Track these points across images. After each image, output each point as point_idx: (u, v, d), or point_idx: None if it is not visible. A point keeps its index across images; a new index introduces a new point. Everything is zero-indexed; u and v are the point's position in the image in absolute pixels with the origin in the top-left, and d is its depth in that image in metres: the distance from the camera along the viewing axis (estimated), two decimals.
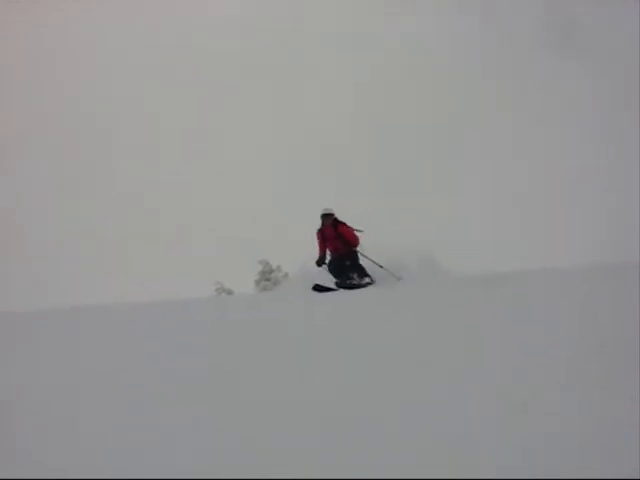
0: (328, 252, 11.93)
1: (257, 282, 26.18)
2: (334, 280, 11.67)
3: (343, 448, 2.96)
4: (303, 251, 12.26)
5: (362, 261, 11.86)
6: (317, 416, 3.46)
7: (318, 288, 11.32)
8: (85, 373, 5.20)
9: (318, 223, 11.92)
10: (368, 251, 11.81)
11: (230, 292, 25.29)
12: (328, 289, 11.34)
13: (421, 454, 2.78)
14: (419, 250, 11.91)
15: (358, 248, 11.81)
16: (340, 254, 11.78)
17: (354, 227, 11.87)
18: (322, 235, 11.95)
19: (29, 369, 5.50)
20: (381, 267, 11.49)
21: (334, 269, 11.79)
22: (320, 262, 11.91)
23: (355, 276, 11.52)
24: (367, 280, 11.49)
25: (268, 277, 26.19)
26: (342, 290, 11.15)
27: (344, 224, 11.89)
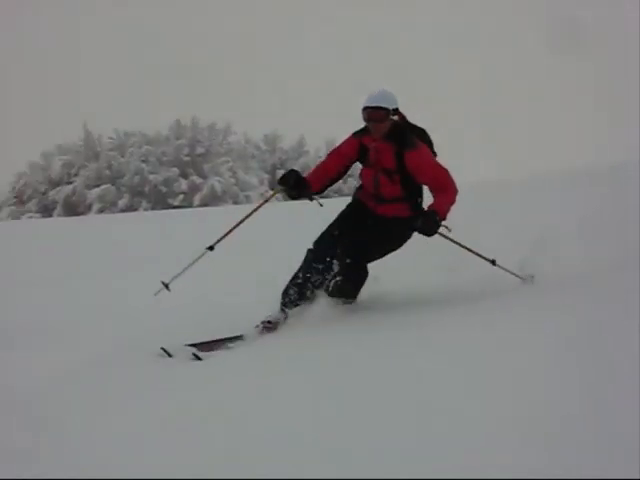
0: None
1: None
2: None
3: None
4: None
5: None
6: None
7: None
8: None
9: None
10: None
11: None
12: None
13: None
14: None
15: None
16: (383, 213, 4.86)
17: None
18: (357, 147, 4.81)
19: None
20: None
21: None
22: (298, 189, 4.79)
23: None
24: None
25: None
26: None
27: (422, 147, 4.70)
